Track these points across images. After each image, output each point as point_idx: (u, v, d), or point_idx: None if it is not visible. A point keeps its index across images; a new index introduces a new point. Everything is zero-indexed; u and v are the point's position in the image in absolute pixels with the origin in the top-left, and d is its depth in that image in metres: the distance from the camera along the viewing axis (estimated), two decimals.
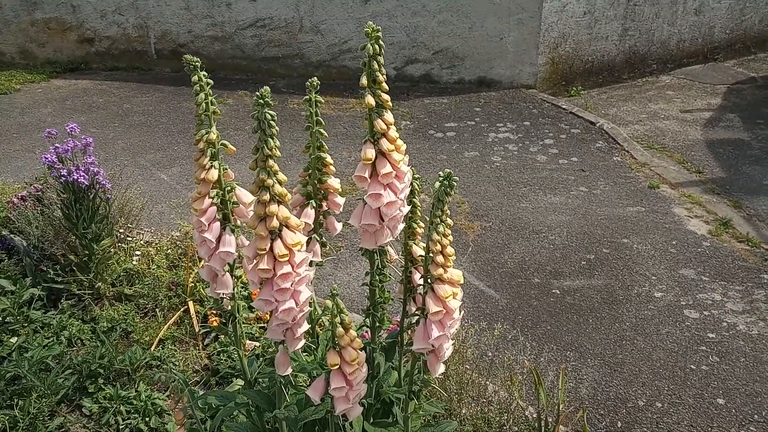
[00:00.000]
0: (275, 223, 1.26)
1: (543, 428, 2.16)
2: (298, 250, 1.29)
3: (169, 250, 3.45)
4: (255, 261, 1.28)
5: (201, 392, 2.24)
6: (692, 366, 2.87)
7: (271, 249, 1.27)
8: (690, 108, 6.12)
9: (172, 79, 7.34)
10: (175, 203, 4.24)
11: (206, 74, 1.37)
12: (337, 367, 1.27)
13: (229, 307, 1.50)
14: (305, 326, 1.37)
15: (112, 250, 3.29)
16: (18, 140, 5.53)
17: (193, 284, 3.14)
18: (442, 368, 1.35)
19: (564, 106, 6.04)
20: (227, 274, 1.42)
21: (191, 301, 3.07)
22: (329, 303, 1.26)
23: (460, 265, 3.52)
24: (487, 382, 2.51)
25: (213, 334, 2.94)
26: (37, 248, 3.30)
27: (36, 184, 3.78)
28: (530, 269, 3.62)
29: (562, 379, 2.26)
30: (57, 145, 2.99)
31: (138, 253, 3.42)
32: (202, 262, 1.46)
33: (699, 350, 2.96)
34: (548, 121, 5.74)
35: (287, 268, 1.26)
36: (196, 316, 3.02)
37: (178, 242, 3.52)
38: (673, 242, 3.85)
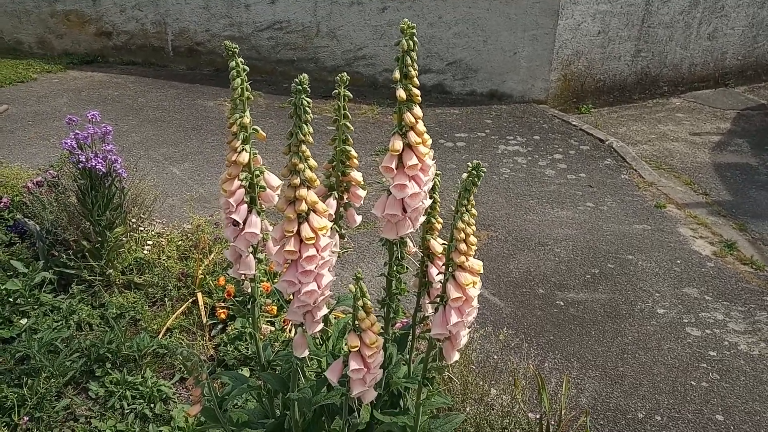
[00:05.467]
0: (304, 206, 1.30)
1: None
2: (324, 235, 1.33)
3: (180, 242, 3.49)
4: (282, 243, 1.32)
5: None
6: (692, 382, 2.89)
7: (298, 232, 1.31)
8: (699, 131, 6.17)
9: (186, 76, 7.42)
10: (187, 197, 4.29)
11: (243, 62, 1.41)
12: (357, 349, 1.30)
13: (249, 289, 1.54)
14: (324, 310, 1.41)
15: (124, 238, 3.33)
16: (33, 128, 5.59)
17: (202, 276, 3.17)
18: (456, 356, 1.38)
19: (574, 123, 6.09)
20: (251, 255, 1.46)
21: (200, 293, 3.11)
22: (352, 287, 1.29)
23: None
24: (491, 387, 2.54)
25: (220, 326, 2.98)
26: (50, 233, 3.34)
27: (51, 170, 3.84)
28: (535, 280, 3.65)
29: (566, 385, 2.29)
30: (77, 131, 3.04)
31: (149, 243, 3.45)
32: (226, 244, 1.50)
33: (700, 367, 2.98)
34: (558, 136, 5.79)
35: (312, 251, 1.30)
36: (205, 307, 3.05)
37: (189, 234, 3.56)
38: (678, 261, 3.88)
